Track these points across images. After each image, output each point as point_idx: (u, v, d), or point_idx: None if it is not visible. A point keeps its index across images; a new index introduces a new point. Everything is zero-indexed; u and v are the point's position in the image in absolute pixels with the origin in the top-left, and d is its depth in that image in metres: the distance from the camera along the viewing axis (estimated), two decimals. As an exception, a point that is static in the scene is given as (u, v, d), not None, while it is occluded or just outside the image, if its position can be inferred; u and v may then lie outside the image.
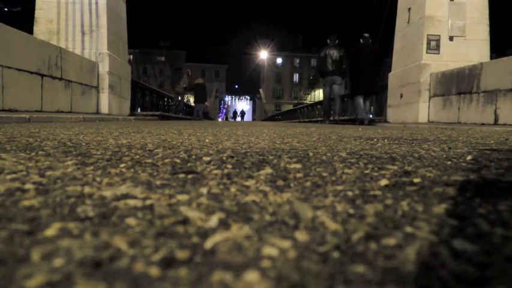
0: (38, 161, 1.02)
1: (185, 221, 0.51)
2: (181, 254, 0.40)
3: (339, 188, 0.75)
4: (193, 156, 1.20)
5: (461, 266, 0.38)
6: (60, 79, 6.17)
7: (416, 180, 0.84)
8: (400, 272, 0.36)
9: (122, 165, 0.99)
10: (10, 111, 4.63)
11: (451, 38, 7.23)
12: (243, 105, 63.98)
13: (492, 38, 7.36)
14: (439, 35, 7.22)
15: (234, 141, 1.88)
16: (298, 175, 0.89)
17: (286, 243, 0.43)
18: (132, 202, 0.60)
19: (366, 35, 7.76)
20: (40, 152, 1.22)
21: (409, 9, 7.91)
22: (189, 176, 0.84)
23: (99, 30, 7.60)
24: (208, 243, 0.43)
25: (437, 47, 7.21)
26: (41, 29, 7.36)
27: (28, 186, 0.70)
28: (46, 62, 5.72)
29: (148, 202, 0.61)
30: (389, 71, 8.70)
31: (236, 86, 72.76)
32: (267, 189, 0.73)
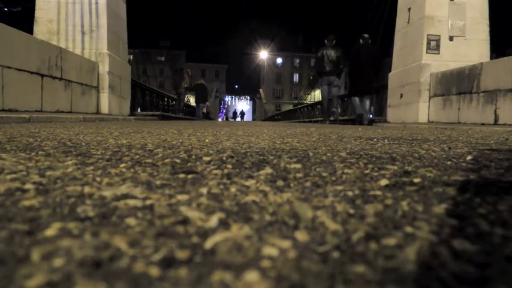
0: (38, 161, 1.02)
1: (185, 221, 0.51)
2: (181, 254, 0.40)
3: (339, 188, 0.75)
4: (193, 156, 1.20)
5: (461, 266, 0.38)
6: (60, 79, 6.17)
7: (416, 180, 0.84)
8: (400, 272, 0.36)
9: (122, 165, 0.99)
10: (10, 111, 4.63)
11: (451, 38, 7.23)
12: (243, 105, 64.00)
13: (492, 38, 7.37)
14: (439, 35, 7.22)
15: (234, 141, 1.88)
16: (298, 175, 0.89)
17: (286, 243, 0.43)
18: (132, 202, 0.60)
19: (366, 35, 7.82)
20: (40, 152, 1.22)
21: (409, 9, 7.91)
22: (189, 176, 0.84)
23: (99, 30, 7.60)
24: (208, 243, 0.43)
25: (437, 47, 7.21)
26: (41, 29, 7.36)
27: (28, 186, 0.70)
28: (46, 62, 5.72)
29: (148, 202, 0.61)
30: (389, 71, 8.70)
31: (236, 86, 72.83)
32: (267, 189, 0.73)
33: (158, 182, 0.77)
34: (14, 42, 4.95)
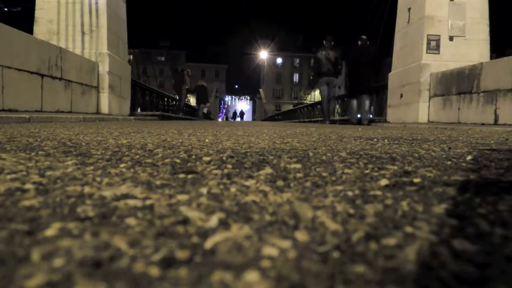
0: (38, 161, 1.02)
1: (185, 221, 0.51)
2: (181, 254, 0.40)
3: (339, 188, 0.75)
4: (193, 156, 1.20)
5: (461, 266, 0.38)
6: (60, 79, 6.17)
7: (416, 180, 0.84)
8: (400, 272, 0.36)
9: (122, 165, 0.99)
10: (10, 111, 4.63)
11: (451, 38, 7.23)
12: (243, 105, 64.00)
13: (492, 38, 7.37)
14: (439, 35, 7.22)
15: (234, 141, 1.88)
16: (298, 175, 0.89)
17: (286, 243, 0.43)
18: (132, 202, 0.60)
19: (364, 36, 7.92)
20: (40, 152, 1.22)
21: (409, 9, 7.91)
22: (189, 176, 0.84)
23: (99, 30, 7.60)
24: (208, 243, 0.43)
25: (437, 47, 7.21)
26: (41, 29, 7.36)
27: (28, 186, 0.70)
28: (46, 62, 5.72)
29: (148, 202, 0.61)
30: (389, 71, 8.71)
31: (236, 86, 72.81)
32: (267, 189, 0.73)
33: (158, 182, 0.77)
34: (14, 42, 4.95)
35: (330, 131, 3.58)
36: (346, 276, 0.35)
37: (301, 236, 0.46)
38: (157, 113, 10.54)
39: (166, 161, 1.09)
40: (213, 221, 0.51)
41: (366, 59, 7.68)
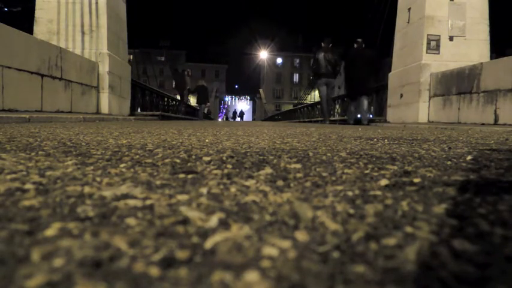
0: (38, 161, 1.02)
1: (185, 221, 0.51)
2: (181, 254, 0.40)
3: (339, 188, 0.75)
4: (193, 156, 1.20)
5: (461, 266, 0.38)
6: (60, 79, 6.17)
7: (416, 180, 0.84)
8: (400, 272, 0.36)
9: (122, 165, 0.99)
10: (10, 111, 4.63)
11: (451, 38, 7.23)
12: (243, 105, 63.99)
13: (492, 38, 7.37)
14: (439, 35, 7.22)
15: (234, 141, 1.88)
16: (298, 175, 0.89)
17: (286, 243, 0.43)
18: (132, 202, 0.60)
19: (359, 40, 8.10)
20: (40, 152, 1.22)
21: (409, 9, 7.91)
22: (189, 176, 0.84)
23: (99, 30, 7.60)
24: (208, 243, 0.43)
25: (437, 47, 7.21)
26: (41, 29, 7.36)
27: (28, 186, 0.70)
28: (46, 62, 5.72)
29: (148, 202, 0.61)
30: (389, 71, 8.71)
31: (236, 86, 72.79)
32: (267, 189, 0.73)
33: (158, 182, 0.77)
34: (14, 42, 4.95)
35: (330, 131, 3.58)
36: (346, 276, 0.35)
37: (301, 236, 0.46)
38: (157, 113, 10.54)
39: (166, 161, 1.09)
40: (213, 221, 0.51)
41: (362, 61, 7.86)
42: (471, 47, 7.23)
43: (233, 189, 0.72)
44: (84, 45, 7.53)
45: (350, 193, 0.70)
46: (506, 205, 0.61)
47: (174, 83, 14.87)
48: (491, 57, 7.26)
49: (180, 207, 0.58)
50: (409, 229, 0.49)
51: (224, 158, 1.17)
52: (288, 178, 0.85)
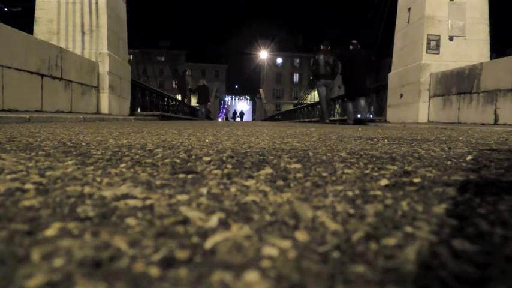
0: (38, 161, 1.02)
1: (185, 221, 0.51)
2: (181, 254, 0.40)
3: (339, 188, 0.75)
4: (193, 156, 1.20)
5: (461, 266, 0.38)
6: (60, 79, 6.17)
7: (416, 180, 0.84)
8: (400, 272, 0.36)
9: (122, 165, 0.99)
10: (10, 111, 4.63)
11: (451, 38, 7.23)
12: (243, 105, 63.98)
13: (492, 38, 7.37)
14: (439, 35, 7.22)
15: (234, 141, 1.88)
16: (298, 175, 0.89)
17: (286, 243, 0.43)
18: (132, 202, 0.60)
19: (354, 41, 8.25)
20: (40, 152, 1.22)
21: (409, 9, 7.91)
22: (189, 176, 0.84)
23: (99, 30, 7.60)
24: (208, 243, 0.43)
25: (437, 47, 7.21)
26: (41, 29, 7.36)
27: (28, 186, 0.70)
28: (46, 62, 5.72)
29: (148, 202, 0.61)
30: (389, 71, 8.72)
31: (236, 86, 72.76)
32: (267, 189, 0.73)
33: (158, 182, 0.77)
34: (14, 42, 4.95)
35: (330, 131, 3.58)
36: (346, 276, 0.35)
37: (301, 236, 0.46)
38: (157, 113, 10.53)
39: (166, 161, 1.09)
40: (213, 221, 0.51)
41: (358, 62, 7.99)
42: (471, 47, 7.23)
43: (233, 189, 0.72)
44: (84, 45, 7.53)
45: (350, 193, 0.70)
46: (506, 205, 0.61)
47: (174, 83, 14.96)
48: (491, 57, 7.26)
49: (180, 207, 0.58)
50: (409, 229, 0.49)
51: (224, 158, 1.17)
52: (288, 178, 0.85)
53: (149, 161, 1.08)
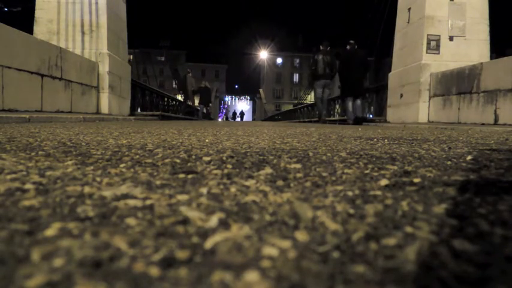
0: (38, 161, 1.02)
1: (185, 221, 0.51)
2: (181, 254, 0.40)
3: (339, 188, 0.75)
4: (193, 156, 1.20)
5: (461, 266, 0.38)
6: (60, 79, 6.17)
7: (416, 180, 0.84)
8: (400, 272, 0.36)
9: (122, 165, 0.99)
10: (10, 111, 4.63)
11: (451, 38, 7.23)
12: (243, 105, 63.97)
13: (492, 38, 7.36)
14: (439, 35, 7.22)
15: (234, 141, 1.88)
16: (298, 175, 0.89)
17: (286, 243, 0.43)
18: (132, 202, 0.60)
19: (351, 41, 8.33)
20: (40, 152, 1.22)
21: (409, 9, 7.91)
22: (189, 176, 0.84)
23: (99, 30, 7.60)
24: (208, 243, 0.43)
25: (437, 47, 7.21)
26: (41, 29, 7.36)
27: (28, 186, 0.70)
28: (46, 62, 5.72)
29: (148, 202, 0.61)
30: (389, 71, 8.72)
31: (236, 86, 72.78)
32: (267, 189, 0.73)
33: (158, 182, 0.77)
34: (14, 42, 4.95)
35: (330, 131, 3.58)
36: (346, 276, 0.35)
37: (301, 236, 0.46)
38: (157, 113, 10.53)
39: (166, 161, 1.09)
40: (213, 221, 0.51)
41: (356, 62, 8.06)
42: (471, 47, 7.22)
43: (233, 189, 0.72)
44: (84, 45, 7.53)
45: (350, 193, 0.70)
46: (506, 205, 0.61)
47: (174, 83, 15.04)
48: (491, 57, 7.26)
49: (180, 207, 0.58)
50: (409, 229, 0.49)
51: (224, 158, 1.17)
52: (288, 178, 0.85)
53: (149, 161, 1.08)
